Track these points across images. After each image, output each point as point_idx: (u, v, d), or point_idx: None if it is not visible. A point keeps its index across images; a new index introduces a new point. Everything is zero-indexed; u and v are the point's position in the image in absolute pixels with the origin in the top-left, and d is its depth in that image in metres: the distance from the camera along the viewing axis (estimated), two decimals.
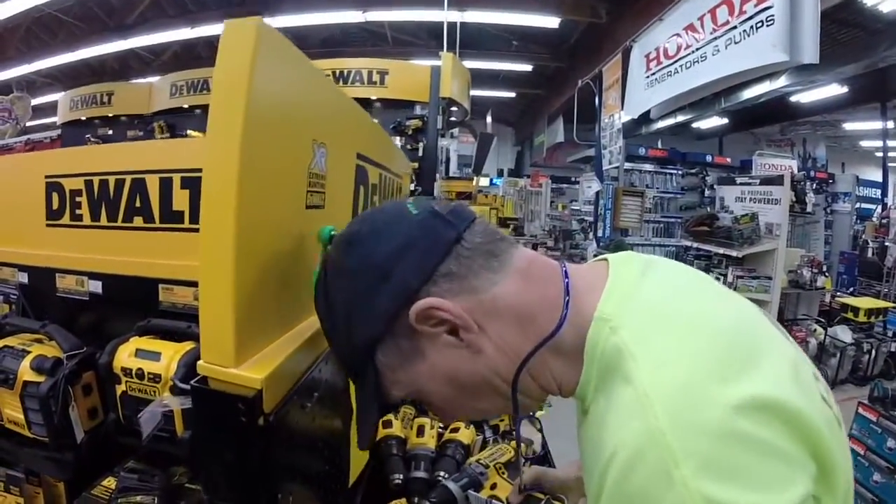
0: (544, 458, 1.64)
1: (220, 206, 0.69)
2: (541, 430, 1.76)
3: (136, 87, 7.41)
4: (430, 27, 9.22)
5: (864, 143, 16.03)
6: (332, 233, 0.84)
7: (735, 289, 5.40)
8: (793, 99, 10.66)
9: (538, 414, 1.75)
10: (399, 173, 1.89)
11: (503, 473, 1.27)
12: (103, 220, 1.34)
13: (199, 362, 0.73)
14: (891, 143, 12.39)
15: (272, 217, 0.81)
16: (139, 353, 1.15)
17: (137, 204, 1.30)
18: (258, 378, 0.71)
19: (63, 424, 1.26)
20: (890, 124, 11.89)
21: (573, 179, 14.04)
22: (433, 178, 4.18)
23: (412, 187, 3.53)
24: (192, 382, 0.74)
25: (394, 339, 0.71)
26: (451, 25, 5.57)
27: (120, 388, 1.17)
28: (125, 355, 1.15)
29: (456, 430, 1.51)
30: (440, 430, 1.53)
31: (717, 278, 5.76)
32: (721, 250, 5.94)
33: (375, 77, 4.17)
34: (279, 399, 0.77)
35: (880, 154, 14.84)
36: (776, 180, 5.85)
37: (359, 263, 0.71)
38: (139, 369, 1.12)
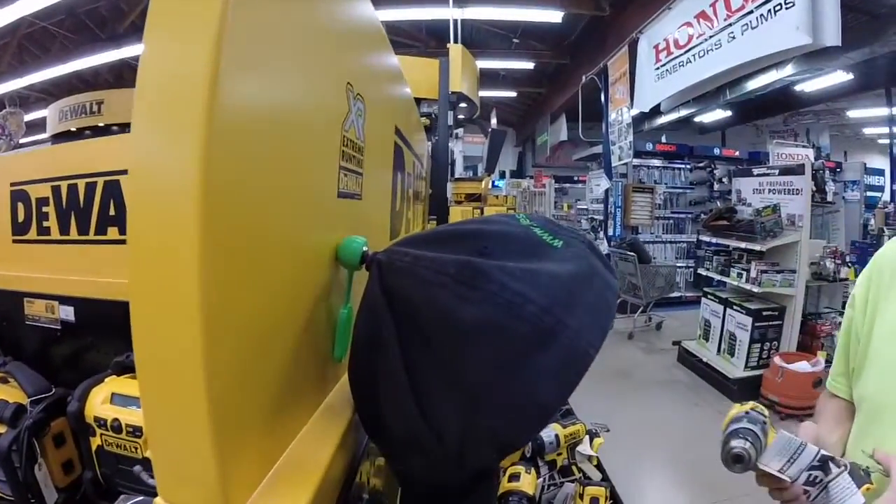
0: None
1: (167, 217, 0.38)
2: (598, 465, 1.52)
3: (128, 95, 7.14)
4: (429, 26, 9.00)
5: (867, 131, 15.84)
6: (366, 250, 0.58)
7: (759, 284, 5.19)
8: (797, 88, 10.44)
9: (594, 449, 1.50)
10: (424, 170, 1.64)
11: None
12: (73, 233, 1.12)
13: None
14: None
15: (281, 216, 0.50)
16: (115, 398, 0.91)
17: (111, 212, 1.07)
18: None
19: (31, 481, 1.02)
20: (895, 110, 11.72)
21: (577, 178, 13.83)
22: (445, 178, 3.94)
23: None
24: None
25: None
26: (453, 22, 5.33)
27: (95, 442, 0.93)
28: (98, 401, 0.92)
29: (516, 476, 1.26)
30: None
31: (740, 274, 5.54)
32: (743, 244, 5.70)
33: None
34: None
35: (882, 141, 14.68)
36: (797, 170, 5.61)
37: None
38: (115, 420, 0.88)
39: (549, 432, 1.48)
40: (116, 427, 0.88)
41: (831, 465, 0.80)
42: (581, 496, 1.34)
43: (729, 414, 1.00)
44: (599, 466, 1.51)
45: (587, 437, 1.54)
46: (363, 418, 0.61)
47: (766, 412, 1.00)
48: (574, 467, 1.49)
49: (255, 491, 0.47)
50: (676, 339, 6.27)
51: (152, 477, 0.52)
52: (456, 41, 4.77)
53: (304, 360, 0.58)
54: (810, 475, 0.81)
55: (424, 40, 9.72)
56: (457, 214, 3.62)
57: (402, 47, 9.58)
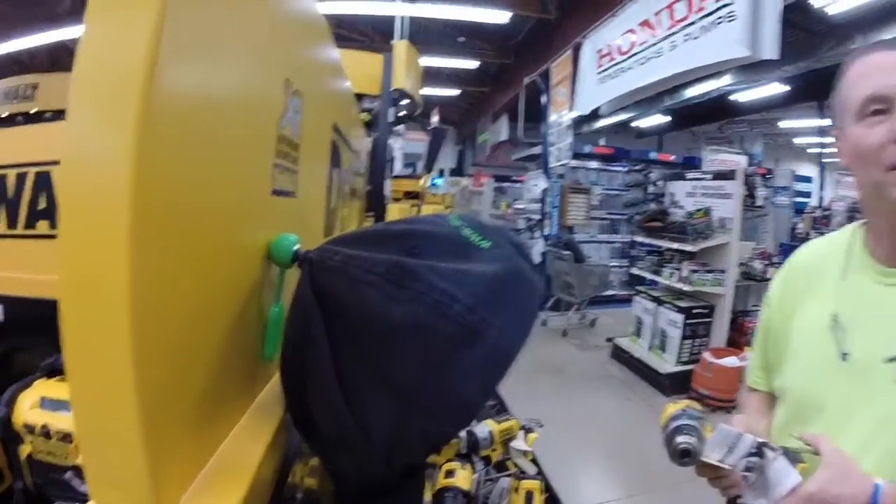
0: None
1: (100, 212, 0.36)
2: (533, 460, 1.55)
3: (64, 80, 6.73)
4: (375, 21, 8.90)
5: (798, 140, 16.77)
6: (297, 249, 0.57)
7: (690, 283, 5.42)
8: (732, 98, 10.92)
9: (529, 444, 1.53)
10: (362, 167, 1.62)
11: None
12: (1, 227, 1.05)
13: None
14: (825, 140, 13.01)
15: (214, 213, 0.49)
16: (45, 402, 0.86)
17: (42, 204, 1.01)
18: None
19: None
20: (827, 121, 12.47)
21: (515, 178, 14.02)
22: (384, 176, 3.91)
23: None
24: None
25: None
26: (400, 19, 5.30)
27: (25, 450, 0.88)
28: (27, 406, 0.87)
29: (452, 473, 1.27)
30: (430, 473, 1.29)
31: (671, 273, 5.77)
32: (675, 245, 5.93)
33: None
34: None
35: (812, 150, 15.56)
36: (729, 175, 5.88)
37: None
38: (44, 426, 0.84)
39: (484, 428, 1.50)
40: (46, 433, 0.84)
41: (767, 450, 0.86)
42: (516, 490, 1.37)
43: (666, 412, 1.04)
44: (535, 461, 1.54)
45: (521, 432, 1.57)
46: (294, 417, 0.62)
47: (700, 407, 1.06)
48: (509, 462, 1.51)
49: (186, 491, 0.46)
50: (610, 336, 6.43)
51: (84, 483, 0.51)
52: (402, 37, 4.74)
53: (234, 359, 0.57)
54: (748, 462, 0.87)
55: (370, 35, 9.62)
56: (394, 212, 3.61)
57: (347, 41, 9.45)
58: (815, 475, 0.80)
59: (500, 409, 1.87)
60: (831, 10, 6.54)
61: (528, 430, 1.60)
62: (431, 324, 0.52)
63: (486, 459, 1.49)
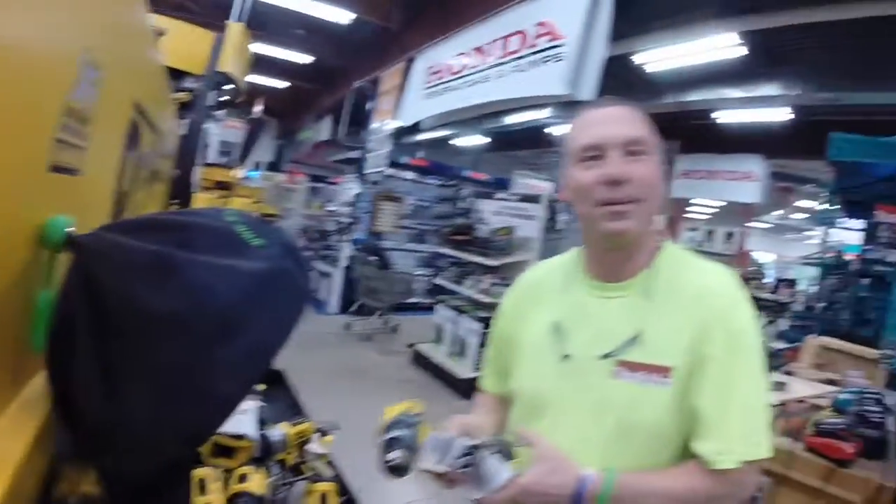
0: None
1: None
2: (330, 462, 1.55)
3: None
4: None
5: None
6: (70, 232, 0.54)
7: (490, 295, 5.82)
8: (547, 130, 11.92)
9: (324, 447, 1.53)
10: (169, 149, 1.50)
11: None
12: None
13: None
14: None
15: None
16: None
17: None
18: None
19: None
20: None
21: (331, 180, 13.88)
22: (195, 162, 3.64)
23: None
24: None
25: None
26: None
27: None
28: None
29: (245, 477, 1.22)
30: (224, 477, 1.23)
31: (473, 285, 6.15)
32: (478, 259, 6.30)
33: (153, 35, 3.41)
34: None
35: None
36: (533, 198, 6.42)
37: None
38: None
39: (278, 431, 1.47)
40: None
41: (481, 449, 0.97)
42: (310, 493, 1.36)
43: (383, 418, 1.14)
44: (331, 463, 1.54)
45: (317, 435, 1.56)
46: (60, 410, 0.57)
47: (419, 408, 1.19)
48: (304, 466, 1.49)
49: None
50: (411, 342, 6.64)
51: None
52: (240, 20, 4.46)
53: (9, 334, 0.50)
54: (464, 462, 0.97)
55: (208, 8, 8.87)
56: (201, 201, 3.38)
57: (185, 11, 8.63)
58: (530, 469, 0.94)
59: (296, 412, 1.85)
60: (649, 69, 7.52)
61: (323, 433, 1.60)
62: (189, 317, 0.52)
63: (282, 463, 1.46)
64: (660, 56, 7.05)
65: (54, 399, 0.57)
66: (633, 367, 0.99)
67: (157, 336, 0.52)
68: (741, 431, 0.93)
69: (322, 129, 13.06)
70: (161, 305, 0.51)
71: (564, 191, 1.12)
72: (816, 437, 2.22)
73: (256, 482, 1.22)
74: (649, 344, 1.00)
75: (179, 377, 0.52)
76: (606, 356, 1.02)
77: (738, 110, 8.52)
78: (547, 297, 1.19)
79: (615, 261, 1.09)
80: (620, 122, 1.04)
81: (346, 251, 8.52)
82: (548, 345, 1.11)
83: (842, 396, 2.59)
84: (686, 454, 0.97)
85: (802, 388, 3.00)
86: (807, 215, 19.55)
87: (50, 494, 0.56)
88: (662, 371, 0.98)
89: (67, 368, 0.53)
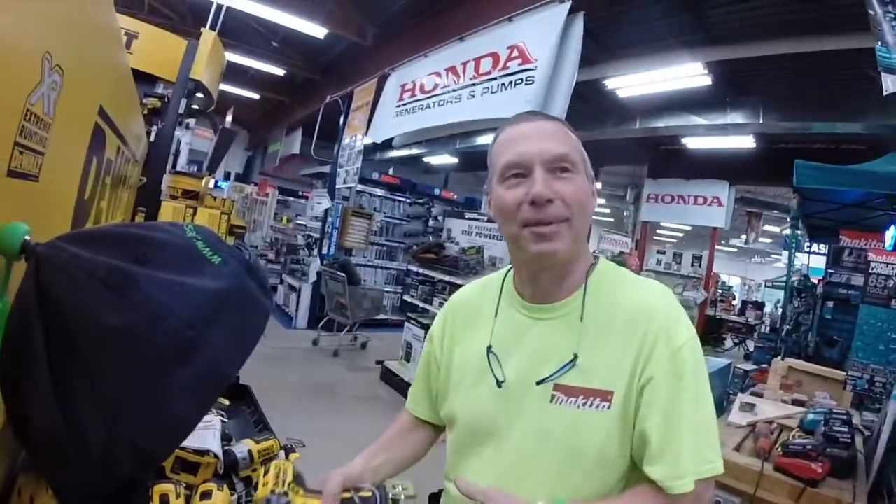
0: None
1: None
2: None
3: None
4: (193, 2, 8.15)
5: None
6: (28, 239, 0.53)
7: None
8: None
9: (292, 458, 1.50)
10: (136, 156, 1.47)
11: (299, 492, 1.03)
12: None
13: None
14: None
15: None
16: None
17: None
18: None
19: None
20: (598, 185, 14.34)
21: (300, 193, 13.78)
22: (163, 169, 3.58)
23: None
24: None
25: None
26: (216, 7, 4.93)
27: None
28: None
29: (208, 494, 1.19)
30: (187, 494, 1.19)
31: (441, 303, 6.14)
32: (446, 277, 6.32)
33: (122, 37, 3.36)
34: None
35: None
36: None
37: None
38: None
39: (242, 448, 1.44)
40: None
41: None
42: None
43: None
44: (297, 480, 1.51)
45: (282, 452, 1.53)
46: (14, 426, 0.55)
47: (291, 484, 1.15)
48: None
49: None
50: (380, 359, 6.59)
51: None
52: (213, 27, 4.43)
53: None
54: None
55: (183, 15, 8.80)
56: (168, 210, 3.32)
57: (158, 16, 8.54)
58: None
59: (262, 429, 1.81)
60: (621, 94, 7.69)
61: (289, 450, 1.57)
62: (145, 335, 0.51)
63: (247, 480, 1.42)
64: (630, 82, 7.23)
65: (7, 412, 0.55)
66: (571, 391, 0.95)
67: (113, 353, 0.50)
68: (693, 453, 0.89)
69: (293, 143, 13.01)
70: (117, 322, 0.49)
71: (490, 208, 1.08)
72: (785, 457, 2.23)
73: (220, 499, 1.19)
74: (586, 367, 0.96)
75: (134, 396, 0.51)
76: (542, 381, 0.97)
77: (704, 137, 8.76)
78: (478, 320, 1.15)
79: (546, 282, 1.04)
80: (545, 138, 1.00)
81: (314, 266, 8.44)
82: (481, 370, 1.06)
83: (810, 417, 2.63)
84: (635, 477, 0.95)
85: (771, 408, 3.06)
86: (771, 240, 20.16)
87: None
88: (601, 395, 0.94)
89: (20, 382, 0.52)
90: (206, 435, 1.36)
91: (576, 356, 0.96)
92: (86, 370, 0.50)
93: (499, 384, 1.02)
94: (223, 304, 0.58)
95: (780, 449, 2.30)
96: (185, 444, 1.22)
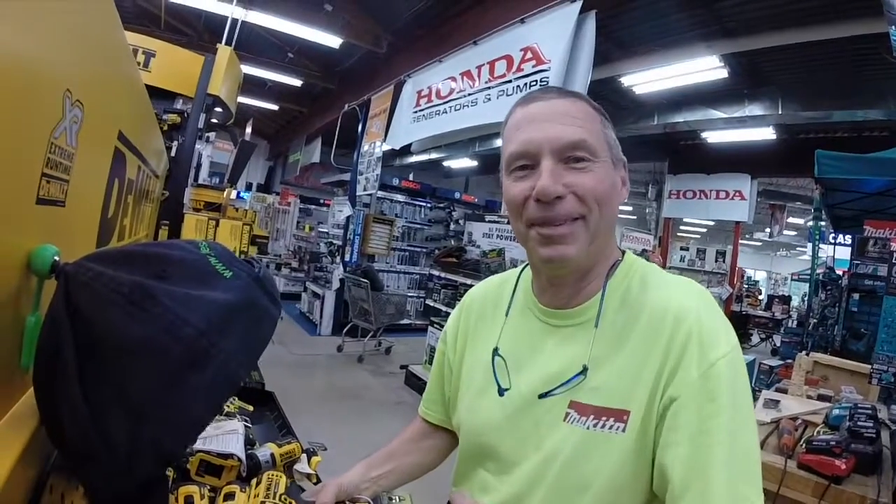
0: None
1: None
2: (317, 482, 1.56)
3: None
4: (209, 18, 8.33)
5: None
6: (58, 259, 0.59)
7: None
8: None
9: (313, 467, 1.54)
10: (157, 172, 1.54)
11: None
12: None
13: None
14: None
15: None
16: None
17: None
18: None
19: None
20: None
21: (322, 201, 13.93)
22: (185, 183, 3.69)
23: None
24: None
25: None
26: (231, 22, 5.05)
27: None
28: None
29: (231, 496, 1.24)
30: (210, 496, 1.24)
31: None
32: (468, 281, 6.32)
33: (140, 56, 3.48)
34: None
35: None
36: None
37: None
38: None
39: (265, 451, 1.48)
40: None
41: None
42: None
43: None
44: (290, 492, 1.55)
45: (304, 455, 1.57)
46: (48, 428, 0.61)
47: (283, 496, 1.16)
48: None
49: None
50: (404, 364, 6.63)
51: None
52: (230, 43, 4.54)
53: None
54: None
55: (199, 31, 8.99)
56: (191, 222, 3.42)
57: (175, 32, 8.74)
58: None
59: (286, 433, 1.85)
60: (638, 90, 7.65)
61: (311, 454, 1.61)
62: (163, 344, 0.56)
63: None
64: (647, 78, 7.19)
65: (41, 416, 0.61)
66: (582, 408, 0.83)
67: (136, 362, 0.55)
68: (726, 488, 0.70)
69: (313, 152, 13.15)
70: (139, 333, 0.54)
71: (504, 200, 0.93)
72: (809, 454, 2.21)
73: (242, 501, 1.24)
74: (601, 382, 0.82)
75: (157, 400, 0.56)
76: (548, 394, 0.86)
77: (724, 130, 8.66)
78: (492, 320, 1.03)
79: (562, 286, 0.91)
80: (557, 120, 0.84)
81: (338, 273, 8.52)
82: (486, 376, 0.96)
83: (835, 412, 2.58)
84: None
85: (795, 405, 3.03)
86: (796, 233, 19.78)
87: None
88: (616, 415, 0.80)
89: (53, 390, 0.57)
90: (230, 439, 1.41)
91: (585, 368, 0.83)
92: (112, 377, 0.56)
93: (500, 392, 0.92)
94: (233, 314, 0.63)
95: (803, 446, 2.27)
96: (210, 447, 1.27)
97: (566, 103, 0.86)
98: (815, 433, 2.39)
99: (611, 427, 0.79)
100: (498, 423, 0.92)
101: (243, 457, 1.40)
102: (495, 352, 0.96)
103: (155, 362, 0.56)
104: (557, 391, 0.85)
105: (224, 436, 1.39)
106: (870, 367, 3.45)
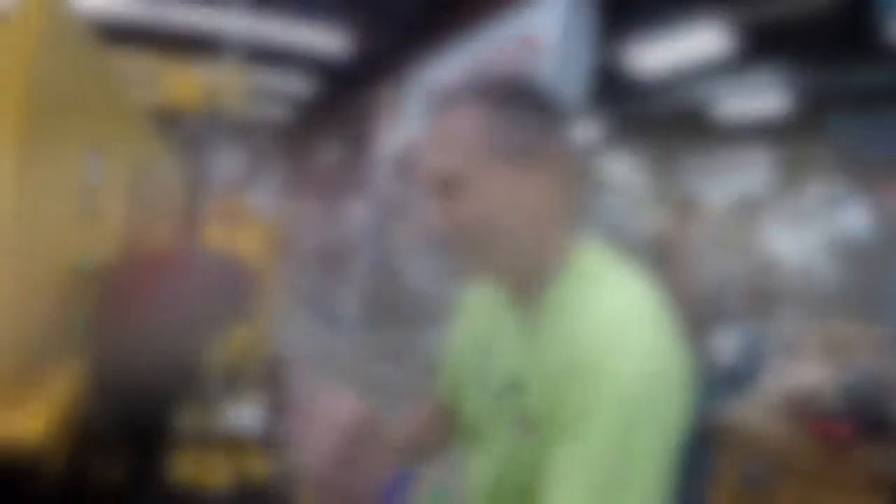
0: None
1: None
2: None
3: None
4: (214, 32, 8.43)
5: None
6: (90, 265, 0.77)
7: None
8: None
9: None
10: (171, 187, 1.68)
11: None
12: None
13: None
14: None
15: (41, 228, 0.77)
16: None
17: None
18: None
19: None
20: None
21: (338, 203, 13.97)
22: (201, 194, 3.80)
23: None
24: None
25: None
26: (236, 35, 5.15)
27: None
28: None
29: (246, 467, 1.37)
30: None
31: None
32: None
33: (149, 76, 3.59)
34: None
35: None
36: None
37: None
38: None
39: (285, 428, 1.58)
40: None
41: None
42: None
43: None
44: None
45: None
46: (91, 385, 0.76)
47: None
48: None
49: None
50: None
51: None
52: (236, 55, 4.64)
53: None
54: None
55: (205, 45, 9.06)
56: (208, 232, 3.56)
57: (181, 48, 8.86)
58: None
59: None
60: (647, 67, 7.60)
61: None
62: (167, 325, 0.75)
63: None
64: (652, 55, 7.14)
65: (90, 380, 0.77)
66: (513, 411, 0.79)
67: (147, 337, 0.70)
68: None
69: (328, 154, 13.27)
70: (149, 320, 0.68)
71: None
72: (816, 422, 2.17)
73: (258, 470, 1.35)
74: (525, 390, 0.77)
75: (165, 365, 0.71)
76: (496, 396, 0.82)
77: (736, 101, 8.54)
78: (486, 306, 0.94)
79: (509, 293, 0.85)
80: (430, 147, 0.76)
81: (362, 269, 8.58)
82: (473, 364, 0.91)
83: (846, 379, 2.50)
84: None
85: (805, 372, 3.01)
86: (814, 200, 19.35)
87: (85, 478, 0.74)
88: (531, 425, 0.75)
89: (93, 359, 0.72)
90: (248, 417, 1.52)
91: (520, 375, 0.78)
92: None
93: (483, 384, 0.86)
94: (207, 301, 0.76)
95: (812, 414, 2.23)
96: (231, 423, 1.40)
97: (440, 122, 0.77)
98: (824, 401, 2.34)
99: (528, 436, 0.77)
100: (482, 415, 0.88)
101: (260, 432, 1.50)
102: (482, 339, 0.92)
103: (167, 333, 0.81)
104: (502, 394, 0.82)
105: (245, 412, 1.50)
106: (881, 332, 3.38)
